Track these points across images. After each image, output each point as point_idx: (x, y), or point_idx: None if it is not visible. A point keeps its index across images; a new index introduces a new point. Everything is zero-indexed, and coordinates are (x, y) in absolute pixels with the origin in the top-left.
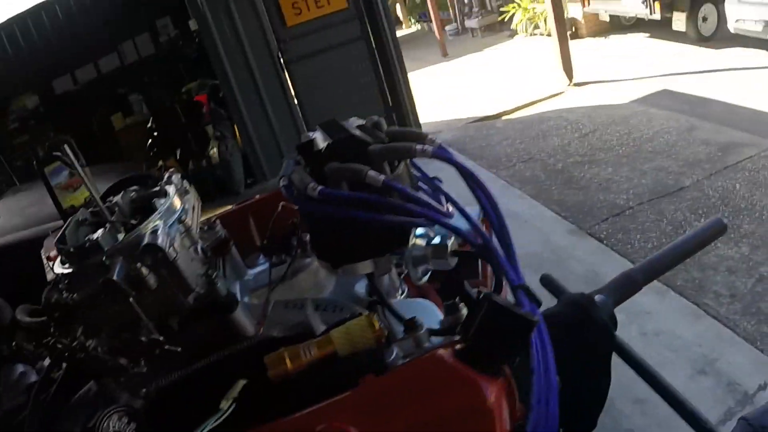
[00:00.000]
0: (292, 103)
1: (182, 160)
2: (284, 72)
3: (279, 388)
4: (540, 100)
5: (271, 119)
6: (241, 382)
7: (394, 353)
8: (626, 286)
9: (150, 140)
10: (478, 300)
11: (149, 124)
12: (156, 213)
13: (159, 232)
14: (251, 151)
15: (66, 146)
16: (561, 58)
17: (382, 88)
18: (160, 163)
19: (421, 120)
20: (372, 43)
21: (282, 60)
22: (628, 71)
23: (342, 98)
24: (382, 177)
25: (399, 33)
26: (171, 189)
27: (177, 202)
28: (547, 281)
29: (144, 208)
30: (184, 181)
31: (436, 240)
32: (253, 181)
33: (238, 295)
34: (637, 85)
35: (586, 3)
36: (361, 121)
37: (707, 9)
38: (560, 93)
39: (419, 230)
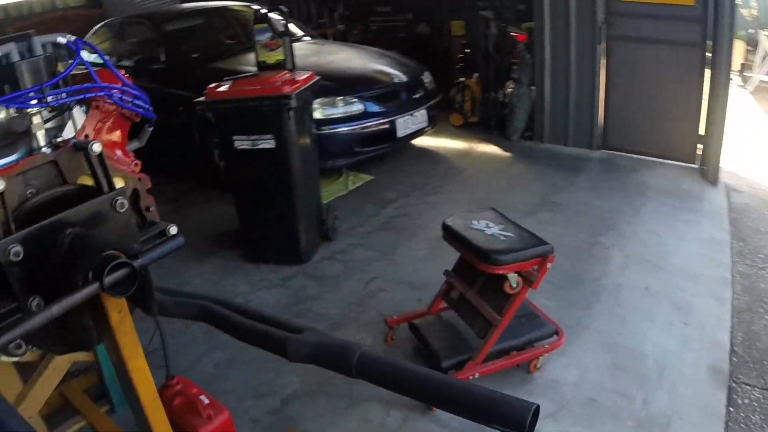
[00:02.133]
0: (597, 78)
1: (480, 84)
2: (601, 46)
3: None
4: None
5: (570, 85)
6: None
7: None
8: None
9: (462, 55)
10: None
11: (464, 41)
12: None
13: None
14: (539, 107)
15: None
16: None
17: (698, 108)
18: (462, 78)
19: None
20: (706, 54)
21: (604, 33)
22: None
23: (650, 97)
24: None
25: None
26: None
27: None
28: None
29: None
30: None
31: None
32: (531, 136)
33: None
34: None
35: None
36: None
37: None
38: None
39: None
